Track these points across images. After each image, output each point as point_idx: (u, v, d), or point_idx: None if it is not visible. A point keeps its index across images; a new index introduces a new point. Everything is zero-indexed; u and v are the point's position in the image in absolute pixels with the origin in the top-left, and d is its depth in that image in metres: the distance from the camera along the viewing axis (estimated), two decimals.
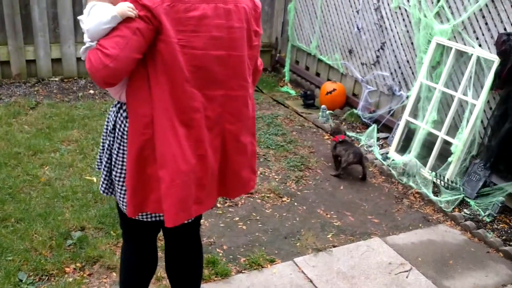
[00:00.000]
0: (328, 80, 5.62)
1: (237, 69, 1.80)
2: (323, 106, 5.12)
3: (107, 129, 1.89)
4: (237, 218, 3.28)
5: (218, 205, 3.39)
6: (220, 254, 2.90)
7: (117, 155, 1.83)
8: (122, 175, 1.83)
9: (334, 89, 5.26)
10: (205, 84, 1.73)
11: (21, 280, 2.52)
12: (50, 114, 4.55)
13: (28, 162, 3.65)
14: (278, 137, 4.61)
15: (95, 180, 3.51)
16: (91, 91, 5.29)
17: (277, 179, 3.85)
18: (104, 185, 1.94)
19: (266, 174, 3.91)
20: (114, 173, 1.86)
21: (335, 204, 3.62)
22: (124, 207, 1.87)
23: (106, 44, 1.59)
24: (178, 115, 1.69)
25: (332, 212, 3.50)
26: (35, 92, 5.10)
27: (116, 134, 1.82)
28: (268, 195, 3.59)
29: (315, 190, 3.79)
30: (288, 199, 3.59)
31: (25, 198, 3.19)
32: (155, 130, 1.70)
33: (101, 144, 1.95)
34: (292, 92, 5.95)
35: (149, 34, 1.61)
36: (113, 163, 1.85)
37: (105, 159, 1.90)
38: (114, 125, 1.84)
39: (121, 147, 1.81)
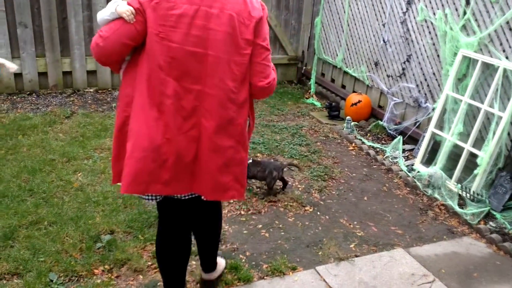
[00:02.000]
0: (354, 92, 5.65)
1: (213, 68, 1.96)
2: (348, 117, 5.15)
3: None
4: (260, 226, 3.34)
5: (242, 212, 3.46)
6: (243, 260, 2.96)
7: None
8: None
9: (359, 101, 5.28)
10: (181, 75, 1.94)
11: (52, 281, 2.63)
12: (84, 123, 4.75)
13: (62, 168, 3.82)
14: (302, 147, 4.67)
15: None
16: None
17: (300, 189, 3.89)
18: None
19: (290, 183, 3.96)
20: None
21: (358, 214, 3.63)
22: None
23: (103, 29, 1.96)
24: (151, 98, 1.94)
25: (355, 222, 3.51)
26: (71, 102, 5.33)
27: None
28: (291, 203, 3.64)
29: (338, 200, 3.81)
30: (311, 208, 3.63)
31: (58, 203, 3.34)
32: (132, 109, 1.97)
33: None
34: (318, 103, 6.01)
35: (140, 24, 1.91)
36: None
37: None
38: None
39: None
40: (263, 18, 2.03)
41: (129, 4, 1.92)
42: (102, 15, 1.99)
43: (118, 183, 2.09)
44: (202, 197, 2.14)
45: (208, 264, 2.57)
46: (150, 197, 2.15)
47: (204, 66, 1.94)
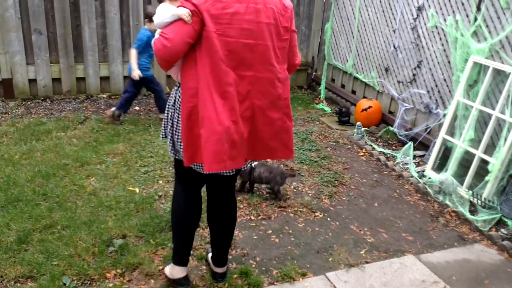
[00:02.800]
0: (364, 97, 5.66)
1: (263, 55, 2.25)
2: (358, 123, 5.16)
3: (169, 103, 2.44)
4: (270, 231, 3.36)
5: (252, 217, 3.48)
6: (253, 266, 2.98)
7: (177, 121, 2.38)
8: (180, 135, 2.36)
9: (369, 106, 5.29)
10: (237, 65, 2.22)
11: (65, 284, 2.67)
12: (97, 128, 4.81)
13: (75, 173, 3.88)
14: (312, 153, 4.68)
15: (137, 190, 3.69)
16: (136, 108, 5.55)
17: (310, 194, 3.91)
18: (170, 147, 2.50)
19: (300, 189, 3.98)
20: (176, 135, 2.41)
21: (368, 220, 3.63)
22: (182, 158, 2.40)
23: (166, 31, 2.16)
24: (216, 88, 2.20)
25: (365, 229, 3.51)
26: (84, 108, 5.40)
27: (175, 106, 2.39)
28: (301, 209, 3.65)
29: (349, 206, 3.82)
30: (321, 214, 3.64)
31: (71, 207, 3.39)
32: (198, 99, 2.22)
33: (165, 115, 2.48)
34: (328, 109, 6.02)
35: (197, 24, 2.14)
36: (174, 127, 2.41)
37: (169, 126, 2.44)
38: (175, 100, 2.39)
39: (179, 115, 2.36)
40: (292, 8, 2.37)
41: (183, 6, 2.15)
42: (161, 18, 2.19)
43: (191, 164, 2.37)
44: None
45: (220, 259, 2.78)
46: (227, 172, 2.47)
47: (256, 54, 2.23)
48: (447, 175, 4.01)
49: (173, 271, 2.71)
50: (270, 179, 3.69)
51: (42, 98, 5.55)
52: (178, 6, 2.16)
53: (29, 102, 5.42)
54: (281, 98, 2.36)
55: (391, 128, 5.13)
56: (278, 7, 2.27)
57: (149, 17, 4.61)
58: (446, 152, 4.29)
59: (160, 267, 2.86)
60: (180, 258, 2.70)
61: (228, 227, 2.72)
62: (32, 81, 5.49)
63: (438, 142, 4.31)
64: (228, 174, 2.49)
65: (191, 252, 2.86)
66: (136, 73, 4.72)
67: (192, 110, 2.25)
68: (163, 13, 2.18)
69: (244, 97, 2.27)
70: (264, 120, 2.33)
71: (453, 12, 4.32)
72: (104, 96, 5.80)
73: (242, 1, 2.17)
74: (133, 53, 4.74)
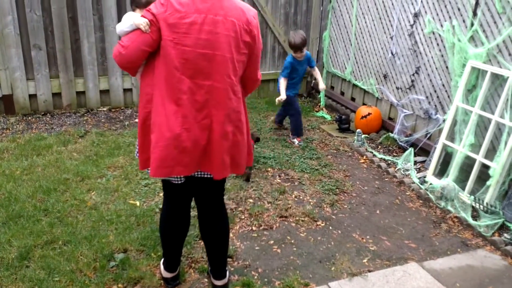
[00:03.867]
0: (364, 104, 5.66)
1: (220, 66, 2.29)
2: (358, 130, 5.15)
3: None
4: (271, 242, 3.34)
5: (253, 228, 3.47)
6: (255, 277, 2.96)
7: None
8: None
9: (369, 113, 5.29)
10: (194, 74, 2.27)
11: None
12: (97, 142, 4.82)
13: (76, 187, 3.88)
14: (313, 161, 4.68)
15: (138, 204, 3.68)
16: (137, 120, 5.56)
17: (311, 203, 3.90)
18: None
19: (301, 197, 3.97)
20: None
21: (370, 228, 3.62)
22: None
23: (123, 39, 2.29)
24: (169, 95, 2.27)
25: (367, 237, 3.50)
26: (84, 122, 5.42)
27: None
28: (303, 218, 3.64)
29: (351, 214, 3.80)
30: (323, 223, 3.63)
31: (72, 222, 3.39)
32: (152, 105, 2.30)
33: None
34: (328, 116, 6.03)
35: (155, 33, 2.23)
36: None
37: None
38: None
39: None
40: (257, 25, 2.43)
41: (143, 16, 2.24)
42: (121, 27, 2.30)
43: (145, 169, 2.47)
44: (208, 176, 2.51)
45: (218, 271, 2.79)
46: (176, 179, 2.50)
47: (213, 64, 2.27)
48: (448, 181, 3.99)
49: (163, 270, 2.84)
50: None
51: (43, 113, 5.57)
52: (141, 16, 2.27)
53: (29, 117, 5.44)
54: (235, 111, 2.40)
55: (391, 135, 5.12)
56: (241, 20, 2.30)
57: None
58: (446, 158, 4.28)
59: (162, 281, 2.85)
60: (168, 265, 2.79)
61: (221, 238, 2.72)
62: (33, 96, 5.52)
63: (439, 148, 4.31)
64: (177, 181, 2.51)
65: (193, 265, 2.90)
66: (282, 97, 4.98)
67: (147, 116, 2.34)
68: (123, 23, 2.30)
69: (201, 105, 2.31)
70: (221, 132, 2.36)
71: (450, 17, 4.33)
72: (104, 109, 5.82)
73: (201, 12, 2.22)
74: (281, 81, 5.03)
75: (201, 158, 2.39)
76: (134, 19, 2.26)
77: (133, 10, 2.58)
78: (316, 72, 5.29)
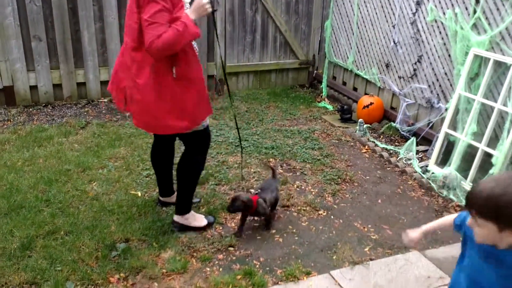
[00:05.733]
0: (366, 94, 5.63)
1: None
2: (360, 120, 5.13)
3: None
4: (273, 231, 3.34)
5: (255, 217, 3.47)
6: (257, 266, 2.97)
7: None
8: None
9: (371, 103, 5.26)
10: None
11: None
12: (98, 133, 4.82)
13: (78, 178, 3.88)
14: (315, 151, 4.66)
15: (139, 194, 3.68)
16: None
17: (313, 193, 3.89)
18: None
19: (303, 187, 3.96)
20: None
21: (372, 217, 3.61)
22: None
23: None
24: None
25: (369, 226, 3.49)
26: (85, 113, 5.41)
27: None
28: (305, 208, 3.64)
29: (352, 203, 3.80)
30: (324, 212, 3.62)
31: (74, 212, 3.40)
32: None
33: None
34: (330, 107, 6.00)
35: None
36: None
37: None
38: None
39: None
40: None
41: None
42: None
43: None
44: None
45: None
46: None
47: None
48: (450, 170, 3.98)
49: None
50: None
51: (44, 104, 5.56)
52: None
53: (30, 109, 5.44)
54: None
55: (393, 124, 5.10)
56: None
57: None
58: (449, 146, 4.26)
59: (164, 270, 2.85)
60: (159, 189, 3.49)
61: (177, 174, 3.19)
62: (33, 88, 5.50)
63: (441, 137, 4.28)
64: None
65: (195, 254, 2.93)
66: None
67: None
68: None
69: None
70: None
71: (452, 5, 4.29)
72: (105, 100, 5.80)
73: None
74: None
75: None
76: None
77: None
78: None
